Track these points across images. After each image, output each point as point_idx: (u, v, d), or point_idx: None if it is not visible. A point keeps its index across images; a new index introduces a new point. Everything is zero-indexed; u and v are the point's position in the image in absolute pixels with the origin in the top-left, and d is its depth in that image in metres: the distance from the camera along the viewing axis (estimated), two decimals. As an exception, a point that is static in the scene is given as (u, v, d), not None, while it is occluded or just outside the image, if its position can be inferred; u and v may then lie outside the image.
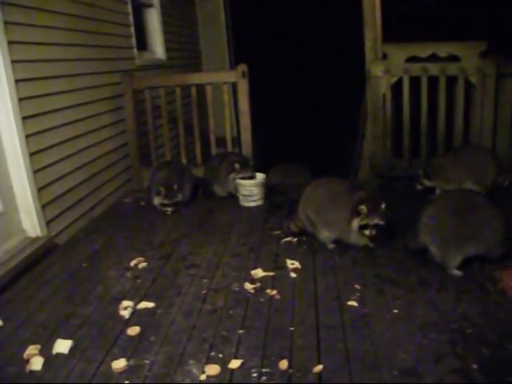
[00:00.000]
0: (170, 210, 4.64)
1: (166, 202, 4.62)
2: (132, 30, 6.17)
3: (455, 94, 5.34)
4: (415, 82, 5.33)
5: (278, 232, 4.05)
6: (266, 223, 4.32)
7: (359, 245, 3.60)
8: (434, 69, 5.27)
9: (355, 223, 3.48)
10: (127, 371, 2.40)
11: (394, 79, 5.40)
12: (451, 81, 5.32)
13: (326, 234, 3.69)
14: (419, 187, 4.72)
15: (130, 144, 5.61)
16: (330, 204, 3.66)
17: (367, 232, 3.46)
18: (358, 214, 3.45)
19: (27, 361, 2.51)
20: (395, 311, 2.78)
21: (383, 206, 3.45)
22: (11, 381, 2.39)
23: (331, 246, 3.68)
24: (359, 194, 3.57)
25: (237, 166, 4.80)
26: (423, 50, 5.34)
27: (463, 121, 5.32)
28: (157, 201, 4.65)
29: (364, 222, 3.44)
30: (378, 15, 5.38)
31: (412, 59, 5.36)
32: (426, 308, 2.80)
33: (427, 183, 4.66)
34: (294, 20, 9.89)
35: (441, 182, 4.58)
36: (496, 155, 4.89)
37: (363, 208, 3.43)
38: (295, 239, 3.88)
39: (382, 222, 3.44)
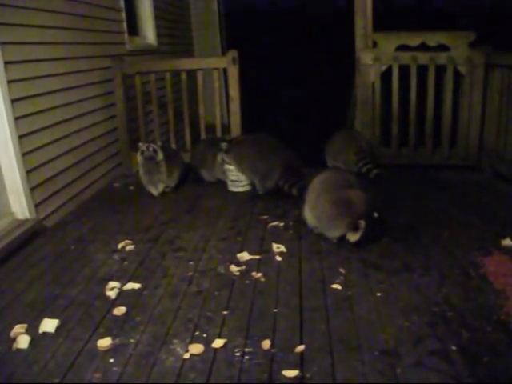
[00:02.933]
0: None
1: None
2: (123, 14, 6.13)
3: (444, 83, 5.37)
4: (405, 70, 5.35)
5: (265, 217, 4.10)
6: (254, 208, 4.36)
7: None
8: (423, 58, 5.29)
9: (353, 238, 3.35)
10: (112, 350, 2.44)
11: (384, 67, 5.42)
12: (440, 70, 5.34)
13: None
14: None
15: (119, 129, 5.61)
16: (321, 201, 3.52)
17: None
18: (356, 228, 3.31)
19: (14, 339, 2.54)
20: (378, 294, 2.83)
21: (376, 215, 3.34)
22: (-3, 358, 2.42)
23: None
24: (358, 205, 3.36)
25: (223, 145, 4.82)
26: (413, 39, 5.36)
27: (451, 110, 5.36)
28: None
29: (360, 237, 3.34)
30: (369, 3, 5.39)
31: (402, 48, 5.38)
32: (409, 292, 2.85)
33: None
34: (287, 6, 9.88)
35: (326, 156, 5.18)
36: (359, 141, 5.11)
37: (362, 223, 3.28)
38: (282, 224, 3.92)
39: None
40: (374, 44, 5.48)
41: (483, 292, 2.82)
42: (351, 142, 5.03)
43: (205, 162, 5.05)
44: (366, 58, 5.44)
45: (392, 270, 3.11)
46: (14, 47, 3.83)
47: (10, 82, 3.75)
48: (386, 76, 5.44)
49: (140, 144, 4.77)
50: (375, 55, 5.40)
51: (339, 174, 3.81)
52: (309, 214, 3.65)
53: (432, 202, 4.32)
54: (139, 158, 4.69)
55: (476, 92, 5.27)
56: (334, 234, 3.44)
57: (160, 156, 4.67)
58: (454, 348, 2.32)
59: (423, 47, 5.34)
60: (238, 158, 4.69)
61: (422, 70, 5.31)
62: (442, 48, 5.32)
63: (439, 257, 3.27)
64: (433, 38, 5.34)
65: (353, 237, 3.34)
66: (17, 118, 3.82)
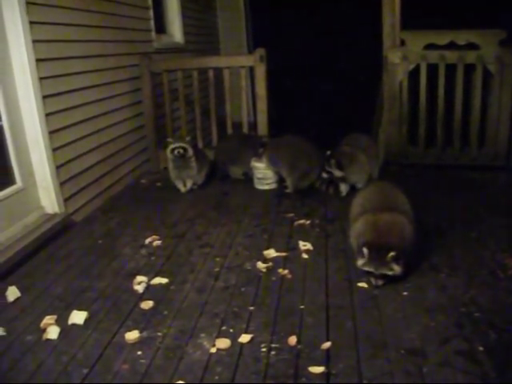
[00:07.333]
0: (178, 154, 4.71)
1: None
2: (151, 12, 6.17)
3: (473, 82, 5.31)
4: (433, 69, 5.30)
5: (291, 214, 4.10)
6: (280, 206, 4.37)
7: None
8: (451, 56, 5.23)
9: (358, 264, 2.92)
10: (140, 342, 2.48)
11: (412, 66, 5.38)
12: (469, 69, 5.28)
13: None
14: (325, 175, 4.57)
15: (147, 126, 5.66)
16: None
17: (372, 280, 2.90)
18: (362, 254, 2.89)
19: (44, 330, 2.60)
20: (405, 293, 2.82)
21: (392, 254, 2.78)
22: (28, 348, 2.47)
23: None
24: (368, 235, 2.94)
25: (265, 139, 4.96)
26: (442, 38, 5.30)
27: (480, 110, 5.29)
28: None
29: (367, 269, 2.88)
30: (397, 1, 5.35)
31: (430, 46, 5.33)
32: (436, 292, 2.83)
33: (338, 174, 4.48)
34: (313, 3, 9.81)
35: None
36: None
37: (365, 251, 2.84)
38: (308, 222, 3.92)
39: (390, 272, 2.83)
40: (402, 42, 5.45)
41: (511, 294, 2.78)
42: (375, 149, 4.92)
43: (235, 158, 5.09)
44: (393, 56, 5.41)
45: (419, 269, 3.09)
46: (45, 45, 3.89)
47: (41, 78, 3.81)
48: (413, 75, 5.40)
49: (169, 139, 4.83)
50: (403, 54, 5.36)
51: (387, 192, 3.36)
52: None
53: (459, 202, 4.27)
54: (169, 155, 4.74)
55: (506, 91, 5.20)
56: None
57: (190, 152, 4.73)
58: (481, 349, 2.30)
59: (452, 46, 5.27)
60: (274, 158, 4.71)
61: (451, 69, 5.26)
62: (471, 46, 5.26)
63: (466, 257, 3.24)
64: (462, 37, 5.27)
65: (359, 261, 2.92)
66: (47, 115, 3.89)
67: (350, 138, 4.76)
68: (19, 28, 3.60)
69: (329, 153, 4.49)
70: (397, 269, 2.82)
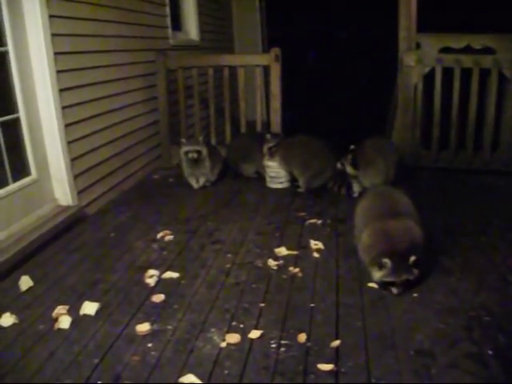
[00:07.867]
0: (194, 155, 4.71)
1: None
2: (167, 9, 6.22)
3: (488, 86, 5.29)
4: (448, 73, 5.29)
5: (302, 214, 4.12)
6: (292, 204, 4.39)
7: None
8: (467, 60, 5.21)
9: (377, 277, 2.85)
10: (151, 335, 2.50)
11: (427, 69, 5.37)
12: (485, 73, 5.26)
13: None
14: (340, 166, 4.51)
15: (161, 122, 5.70)
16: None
17: (394, 290, 2.82)
18: (380, 266, 2.80)
19: (56, 319, 2.63)
20: (415, 295, 2.82)
21: (414, 258, 2.76)
22: (40, 337, 2.50)
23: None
24: (382, 245, 2.88)
25: (268, 136, 4.91)
26: (457, 42, 5.28)
27: (495, 115, 5.27)
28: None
29: (390, 280, 2.80)
30: (413, 4, 5.34)
31: (445, 50, 5.31)
32: (446, 294, 2.83)
33: (350, 171, 4.46)
34: (328, 4, 9.82)
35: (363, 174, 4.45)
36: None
37: (387, 262, 2.76)
38: (319, 221, 3.93)
39: (412, 277, 2.80)
40: (417, 45, 5.44)
41: (522, 299, 2.78)
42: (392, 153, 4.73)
43: (247, 156, 5.10)
44: (408, 59, 5.39)
45: (429, 272, 3.08)
46: (63, 38, 3.93)
47: (58, 72, 3.85)
48: (428, 78, 5.38)
49: (183, 140, 4.84)
50: (418, 57, 5.35)
51: (388, 197, 3.31)
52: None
53: (471, 206, 4.25)
54: (183, 156, 4.77)
55: (521, 97, 5.18)
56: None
57: (204, 153, 4.75)
58: (490, 352, 2.30)
59: (468, 49, 5.25)
60: (287, 157, 4.71)
61: (466, 73, 5.24)
62: (487, 51, 5.24)
63: (477, 261, 3.23)
64: (478, 41, 5.24)
65: (377, 274, 2.85)
66: (64, 108, 3.93)
67: (373, 141, 4.67)
68: (39, 21, 3.64)
69: (352, 147, 4.43)
70: (416, 272, 2.81)
